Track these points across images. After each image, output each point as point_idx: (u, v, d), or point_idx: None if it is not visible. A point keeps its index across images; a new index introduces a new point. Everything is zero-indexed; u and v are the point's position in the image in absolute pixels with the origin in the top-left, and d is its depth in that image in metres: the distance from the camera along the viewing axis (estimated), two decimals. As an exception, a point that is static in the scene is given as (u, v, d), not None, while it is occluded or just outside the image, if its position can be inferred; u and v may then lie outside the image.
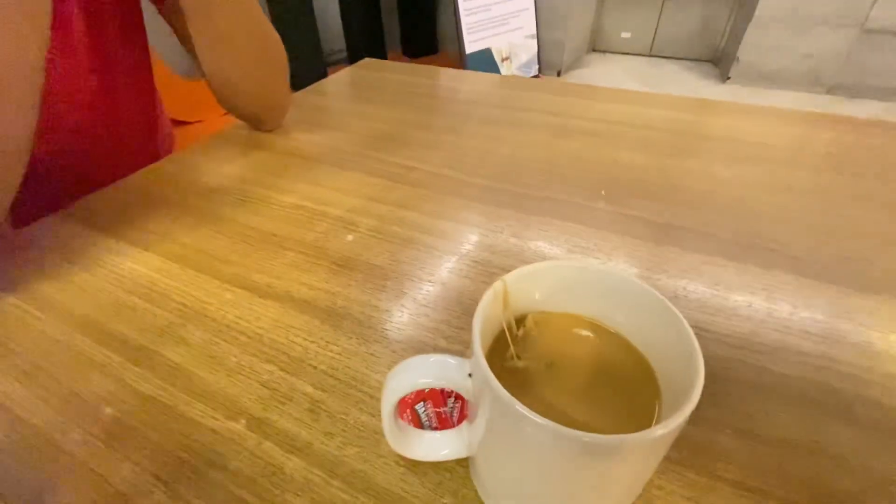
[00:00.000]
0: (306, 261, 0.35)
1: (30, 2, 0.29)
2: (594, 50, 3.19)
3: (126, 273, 0.35)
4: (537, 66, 2.68)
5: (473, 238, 0.37)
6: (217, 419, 0.25)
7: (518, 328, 0.20)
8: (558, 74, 2.80)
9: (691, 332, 0.16)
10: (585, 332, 0.20)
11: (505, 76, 0.71)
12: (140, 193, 0.45)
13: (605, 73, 2.88)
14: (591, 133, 0.54)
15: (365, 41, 2.57)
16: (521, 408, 0.14)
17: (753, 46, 2.47)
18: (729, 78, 2.62)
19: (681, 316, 0.16)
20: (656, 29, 2.97)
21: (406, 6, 2.71)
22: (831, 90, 2.46)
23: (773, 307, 0.31)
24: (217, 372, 0.27)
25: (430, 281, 0.33)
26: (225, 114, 0.56)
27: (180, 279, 0.34)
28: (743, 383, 0.26)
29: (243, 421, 0.24)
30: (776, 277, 0.33)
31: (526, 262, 0.35)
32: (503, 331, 0.19)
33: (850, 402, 0.25)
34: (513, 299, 0.19)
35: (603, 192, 0.43)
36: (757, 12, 2.36)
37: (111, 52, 0.47)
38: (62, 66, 0.43)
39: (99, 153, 0.49)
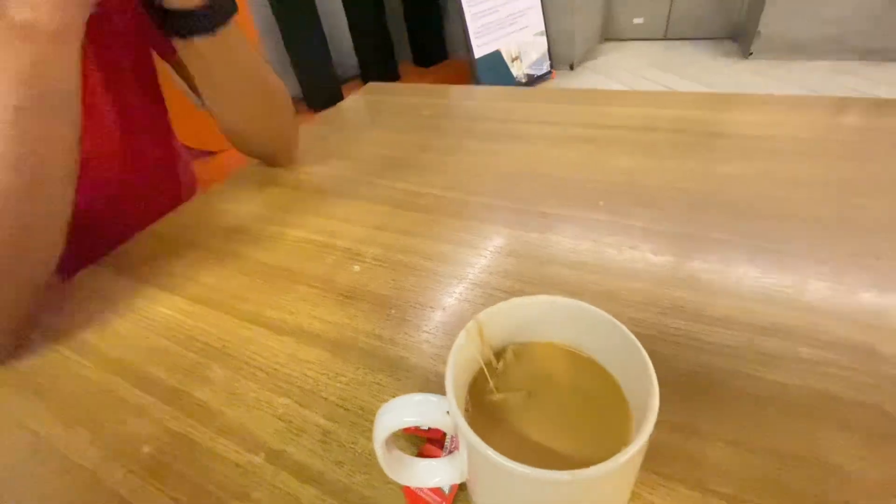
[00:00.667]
0: (316, 294, 0.38)
1: (66, 80, 0.32)
2: (607, 39, 3.14)
3: (156, 317, 0.38)
4: (549, 63, 2.66)
5: (473, 260, 0.39)
6: (239, 453, 0.27)
7: (498, 361, 0.21)
8: (571, 68, 2.77)
9: (646, 356, 0.17)
10: (561, 360, 0.21)
11: (505, 88, 0.72)
12: (166, 239, 0.48)
13: (620, 61, 2.83)
14: (589, 140, 0.54)
15: (376, 54, 2.61)
16: (489, 451, 0.15)
17: (775, 17, 2.37)
18: (751, 53, 2.52)
19: (636, 341, 0.17)
20: (670, 10, 2.90)
21: (412, 16, 2.75)
22: (863, 56, 2.33)
23: (774, 312, 0.30)
24: (238, 408, 0.29)
25: (431, 307, 0.35)
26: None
27: (204, 320, 0.37)
28: (738, 393, 0.26)
29: (262, 454, 0.27)
30: (778, 280, 0.33)
31: (524, 282, 0.36)
32: (481, 366, 0.20)
33: (847, 409, 0.25)
34: (490, 333, 0.21)
35: (601, 203, 0.43)
36: (776, -19, 2.27)
37: (130, 106, 0.51)
38: (87, 126, 0.47)
39: (128, 200, 0.53)
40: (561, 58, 2.73)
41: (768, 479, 0.22)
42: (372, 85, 0.80)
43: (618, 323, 0.18)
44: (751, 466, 0.23)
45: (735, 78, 2.41)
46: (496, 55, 2.45)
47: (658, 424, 0.16)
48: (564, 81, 2.68)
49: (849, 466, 0.22)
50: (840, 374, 0.26)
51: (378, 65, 2.63)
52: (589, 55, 2.94)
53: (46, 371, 0.34)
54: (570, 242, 0.39)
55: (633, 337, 0.18)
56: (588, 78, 2.68)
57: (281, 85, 0.51)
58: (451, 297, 0.36)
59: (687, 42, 2.91)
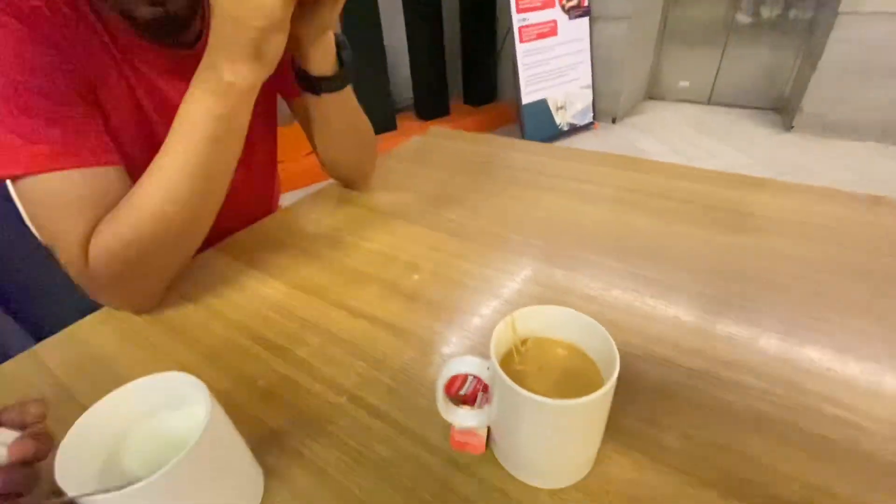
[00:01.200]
0: (384, 293, 0.49)
1: (244, 121, 0.45)
2: (651, 97, 3.26)
3: (264, 294, 0.50)
4: (592, 115, 2.79)
5: (507, 284, 0.50)
6: (328, 394, 0.38)
7: (523, 345, 0.32)
8: (613, 121, 2.89)
9: (612, 342, 0.27)
10: (562, 350, 0.31)
11: (549, 145, 0.84)
12: (267, 236, 0.61)
13: (661, 120, 2.94)
14: (619, 200, 0.64)
15: (430, 89, 2.82)
16: (517, 388, 0.26)
17: (819, 95, 2.44)
18: (793, 127, 2.58)
19: (607, 334, 0.28)
20: (716, 77, 3.00)
21: (469, 59, 2.96)
22: (906, 142, 2.35)
23: (734, 351, 0.40)
24: (327, 364, 0.41)
25: (472, 314, 0.46)
26: (307, 154, 0.72)
27: (300, 301, 0.49)
28: (694, 403, 0.35)
29: (345, 397, 0.38)
30: (741, 330, 0.42)
31: (545, 304, 0.46)
32: (512, 347, 0.31)
33: (771, 422, 0.34)
34: (520, 326, 0.31)
35: (618, 254, 0.53)
36: (823, 60, 2.34)
37: (254, 135, 0.65)
38: None
39: (240, 204, 0.67)
40: (604, 111, 2.87)
41: (701, 457, 0.32)
42: (434, 129, 0.94)
43: (598, 324, 0.29)
44: (691, 449, 0.32)
45: (775, 150, 2.47)
46: (542, 103, 2.61)
47: (630, 414, 0.26)
48: (605, 133, 2.80)
49: (764, 458, 0.31)
50: (773, 399, 0.35)
51: (431, 99, 2.83)
52: (632, 111, 3.06)
53: (185, 322, 0.47)
54: (587, 280, 0.49)
55: (604, 331, 0.28)
56: (629, 133, 2.79)
57: (370, 126, 0.65)
58: (488, 308, 0.46)
59: (730, 109, 2.99)
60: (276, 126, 0.69)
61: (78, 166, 0.42)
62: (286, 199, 0.78)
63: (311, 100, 0.55)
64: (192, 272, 0.54)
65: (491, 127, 2.92)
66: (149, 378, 0.28)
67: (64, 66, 0.43)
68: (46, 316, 0.59)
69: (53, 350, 0.45)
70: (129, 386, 0.28)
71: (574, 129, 2.76)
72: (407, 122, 2.79)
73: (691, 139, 2.65)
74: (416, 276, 0.51)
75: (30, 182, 0.41)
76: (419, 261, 0.54)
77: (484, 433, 0.33)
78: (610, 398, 0.27)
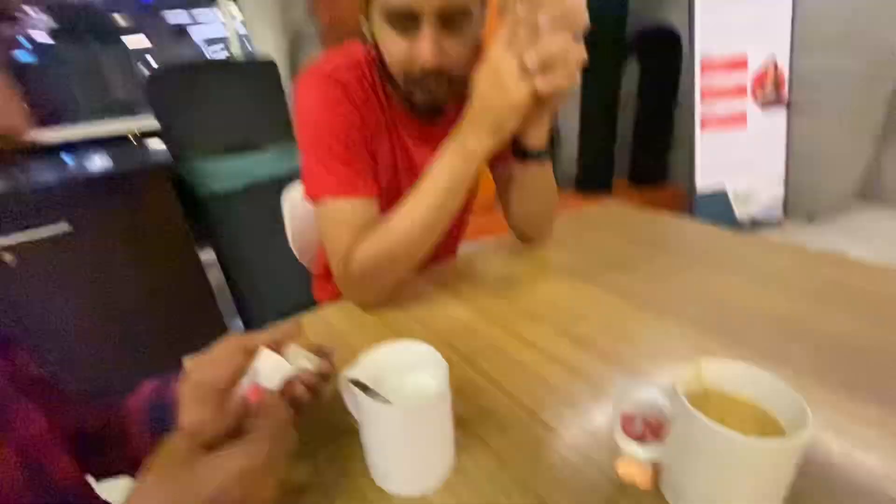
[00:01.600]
0: (555, 333, 0.55)
1: (473, 178, 0.58)
2: (863, 197, 2.77)
3: (455, 314, 0.61)
4: (781, 211, 2.50)
5: (674, 353, 0.51)
6: (508, 403, 0.45)
7: (704, 394, 0.34)
8: (809, 221, 2.54)
9: (804, 403, 0.28)
10: (748, 407, 0.33)
11: (734, 234, 0.81)
12: (457, 270, 0.74)
13: (874, 226, 2.46)
14: (810, 294, 0.60)
15: (596, 164, 2.88)
16: (704, 418, 0.29)
17: None
18: None
19: (799, 397, 0.29)
20: (969, 183, 2.43)
21: (641, 136, 2.96)
22: None
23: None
24: (506, 378, 0.48)
25: (641, 366, 0.48)
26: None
27: (483, 325, 0.58)
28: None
29: (522, 409, 0.44)
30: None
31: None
32: (695, 393, 0.34)
33: None
34: (706, 375, 0.34)
35: (802, 347, 0.51)
36: None
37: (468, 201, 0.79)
38: None
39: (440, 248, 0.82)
40: (798, 208, 2.54)
41: None
42: (609, 201, 1.00)
43: (789, 388, 0.30)
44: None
45: None
46: (719, 192, 2.44)
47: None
48: (797, 232, 2.46)
49: None
50: None
51: (596, 173, 2.89)
52: (836, 211, 2.64)
53: (395, 323, 0.60)
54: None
55: (796, 394, 0.29)
56: (828, 235, 2.40)
57: (556, 192, 0.74)
58: (658, 366, 0.48)
59: None
60: (478, 185, 0.84)
61: (357, 196, 0.60)
62: (464, 247, 0.91)
63: (516, 165, 0.67)
64: (403, 289, 0.68)
65: (655, 210, 2.82)
66: (402, 342, 0.39)
67: (359, 125, 0.62)
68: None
69: (309, 322, 0.62)
70: (392, 344, 0.39)
71: (756, 224, 2.50)
72: (566, 195, 2.89)
73: (923, 252, 2.15)
74: (585, 326, 0.56)
75: (328, 205, 0.60)
76: (589, 313, 0.59)
77: (650, 469, 0.35)
78: (801, 449, 0.28)
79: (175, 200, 1.38)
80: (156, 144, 1.82)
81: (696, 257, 0.73)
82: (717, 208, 2.46)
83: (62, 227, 1.23)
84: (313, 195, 0.62)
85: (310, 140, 0.61)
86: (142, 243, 1.35)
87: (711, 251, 0.75)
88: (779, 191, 2.49)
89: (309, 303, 0.90)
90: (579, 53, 0.49)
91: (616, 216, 0.93)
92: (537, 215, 0.74)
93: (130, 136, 1.97)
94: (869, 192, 2.79)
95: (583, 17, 0.48)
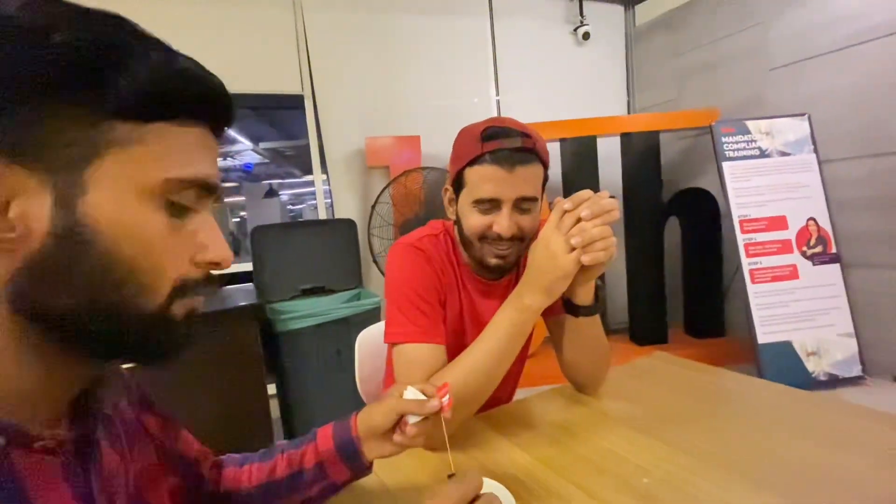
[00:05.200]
0: (618, 485, 0.56)
1: (529, 329, 0.69)
2: (960, 359, 2.52)
3: (514, 458, 0.64)
4: (860, 367, 2.31)
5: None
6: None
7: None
8: (895, 380, 2.31)
9: None
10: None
11: (793, 389, 0.81)
12: (515, 415, 0.78)
13: None
14: (886, 459, 0.59)
15: (648, 314, 2.87)
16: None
17: None
18: None
19: None
20: None
21: (692, 291, 2.97)
22: None
23: None
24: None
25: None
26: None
27: (543, 472, 0.60)
28: None
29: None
30: None
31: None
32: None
33: None
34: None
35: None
36: None
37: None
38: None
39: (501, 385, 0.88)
40: (879, 365, 2.34)
41: None
42: (660, 353, 1.03)
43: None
44: None
45: None
46: (787, 345, 2.33)
47: None
48: (882, 392, 2.22)
49: None
50: None
51: (648, 323, 2.86)
52: (929, 372, 2.39)
53: (470, 458, 0.63)
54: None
55: None
56: (927, 398, 2.15)
57: (608, 344, 0.80)
58: (725, 528, 0.48)
59: None
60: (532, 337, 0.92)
61: (431, 342, 0.70)
62: (519, 394, 0.95)
63: (569, 319, 0.76)
64: (463, 430, 0.72)
65: (716, 361, 2.67)
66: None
67: (435, 283, 0.76)
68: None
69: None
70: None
71: (836, 381, 2.30)
72: (620, 345, 2.84)
73: None
74: (646, 480, 0.57)
75: (405, 347, 0.71)
76: (649, 467, 0.60)
77: None
78: None
79: (257, 336, 1.55)
80: (246, 286, 2.09)
81: (754, 412, 0.73)
82: (787, 362, 2.32)
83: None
84: (394, 339, 0.73)
85: (396, 294, 0.74)
86: (225, 371, 1.49)
87: (773, 407, 0.75)
88: (852, 345, 2.34)
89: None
90: (612, 237, 0.63)
91: (665, 369, 0.95)
92: (590, 364, 0.80)
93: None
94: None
95: (615, 212, 0.63)
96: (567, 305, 0.75)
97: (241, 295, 1.79)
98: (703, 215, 2.90)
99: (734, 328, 2.93)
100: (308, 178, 2.77)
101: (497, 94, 3.03)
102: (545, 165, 0.73)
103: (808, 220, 2.46)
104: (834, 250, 2.44)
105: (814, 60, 2.50)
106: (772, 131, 2.52)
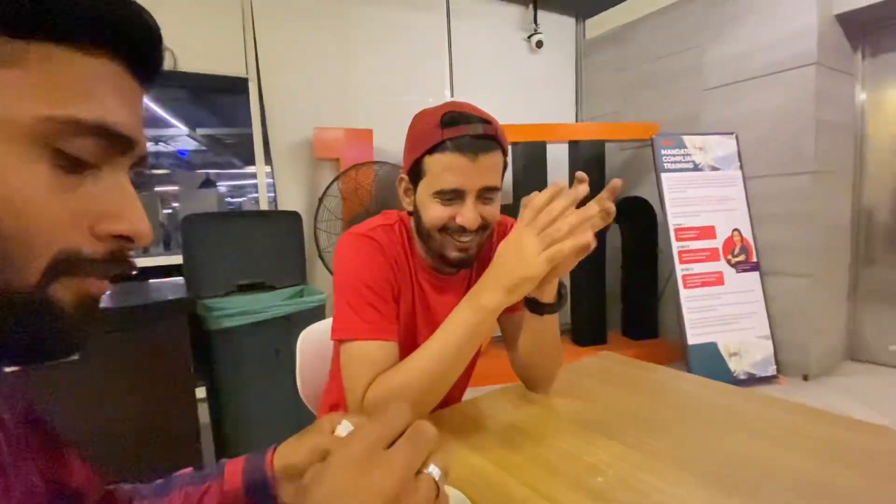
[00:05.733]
0: (571, 485, 0.55)
1: (485, 330, 0.66)
2: (853, 359, 2.83)
3: (465, 461, 0.61)
4: (775, 367, 2.53)
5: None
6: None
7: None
8: (805, 379, 2.55)
9: None
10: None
11: (729, 386, 0.85)
12: (465, 416, 0.75)
13: (870, 386, 2.47)
14: (814, 452, 0.62)
15: (589, 318, 2.98)
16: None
17: None
18: None
19: None
20: (947, 347, 2.53)
21: (630, 296, 3.13)
22: None
23: None
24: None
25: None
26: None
27: (494, 474, 0.58)
28: None
29: None
30: None
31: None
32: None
33: None
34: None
35: (822, 504, 0.51)
36: None
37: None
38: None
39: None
40: (791, 365, 2.57)
41: None
42: (607, 353, 1.05)
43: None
44: None
45: None
46: (712, 346, 2.51)
47: None
48: (794, 389, 2.45)
49: None
50: None
51: (588, 326, 2.97)
52: (831, 370, 2.67)
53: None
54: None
55: None
56: (825, 393, 2.39)
57: (561, 343, 0.80)
58: (677, 526, 0.48)
59: (981, 388, 2.38)
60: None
61: (382, 339, 0.66)
62: (468, 393, 0.93)
63: (529, 317, 0.74)
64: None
65: (650, 361, 2.83)
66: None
67: (389, 276, 0.71)
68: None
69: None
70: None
71: (753, 380, 2.50)
72: (563, 346, 2.92)
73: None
74: (599, 479, 0.56)
75: (353, 345, 0.65)
76: (602, 466, 0.59)
77: None
78: None
79: (186, 335, 1.41)
80: (176, 281, 1.92)
81: (697, 410, 0.75)
82: (711, 362, 2.49)
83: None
84: (341, 336, 0.67)
85: (345, 287, 0.69)
86: (146, 374, 1.34)
87: (713, 405, 0.77)
88: (768, 347, 2.55)
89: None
90: (587, 234, 0.58)
91: (611, 368, 0.97)
92: (546, 362, 0.79)
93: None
94: (856, 354, 2.86)
95: (592, 208, 0.59)
96: (530, 304, 0.73)
97: (170, 289, 1.63)
98: (642, 223, 3.06)
99: (666, 330, 3.11)
100: (250, 168, 2.60)
101: (452, 95, 3.02)
102: (505, 153, 0.71)
103: (734, 230, 2.66)
104: (755, 259, 2.66)
105: (741, 84, 2.71)
106: (705, 147, 2.71)
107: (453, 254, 0.71)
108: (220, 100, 3.99)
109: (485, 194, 0.69)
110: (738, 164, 2.69)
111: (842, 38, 2.58)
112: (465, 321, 0.64)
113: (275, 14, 2.47)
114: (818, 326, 2.56)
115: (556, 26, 3.45)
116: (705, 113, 2.90)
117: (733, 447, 0.64)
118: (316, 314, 1.68)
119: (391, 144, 2.59)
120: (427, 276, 0.78)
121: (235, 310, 1.55)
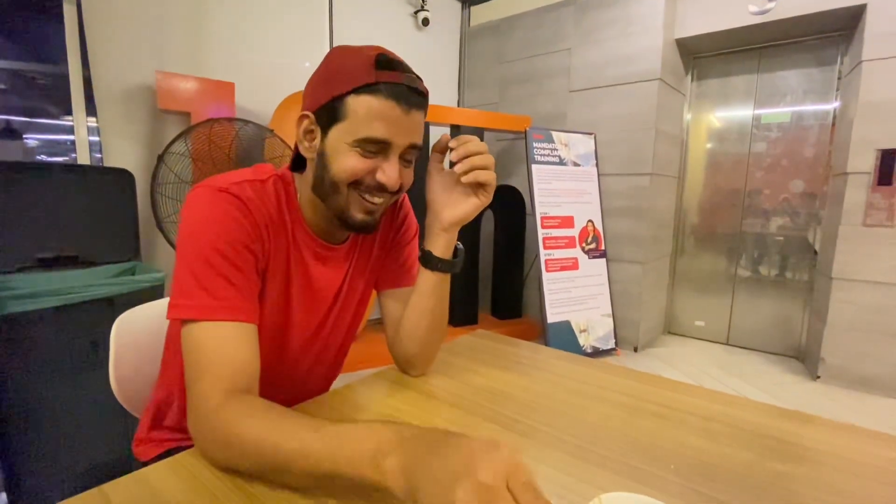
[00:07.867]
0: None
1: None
2: (670, 332, 3.43)
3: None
4: (614, 341, 2.92)
5: (560, 480, 0.50)
6: None
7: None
8: (635, 350, 2.99)
9: None
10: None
11: (587, 358, 0.91)
12: (332, 409, 0.66)
13: (682, 354, 3.02)
14: (660, 416, 0.68)
15: (462, 299, 3.08)
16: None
17: (837, 349, 2.52)
18: (818, 377, 2.59)
19: None
20: (730, 320, 3.19)
21: (499, 278, 3.31)
22: (945, 406, 2.29)
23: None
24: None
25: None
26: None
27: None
28: None
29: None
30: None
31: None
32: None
33: None
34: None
35: (672, 467, 0.55)
36: (831, 317, 2.49)
37: (345, 334, 0.77)
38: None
39: (312, 380, 0.76)
40: (626, 339, 3.00)
41: None
42: (482, 332, 1.05)
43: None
44: None
45: (802, 397, 2.43)
46: (566, 324, 2.78)
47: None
48: (627, 360, 2.86)
49: None
50: None
51: (461, 307, 3.07)
52: (653, 342, 3.19)
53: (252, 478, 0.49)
54: (645, 490, 0.50)
55: None
56: (651, 362, 2.85)
57: (447, 318, 0.75)
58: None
59: (749, 352, 3.08)
60: (359, 326, 0.81)
61: (238, 321, 0.53)
62: (340, 380, 0.84)
63: (424, 279, 0.70)
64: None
65: (516, 339, 3.05)
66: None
67: (251, 244, 0.57)
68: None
69: (120, 490, 0.47)
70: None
71: (597, 352, 2.85)
72: (469, 334, 2.96)
73: (717, 377, 2.66)
74: (474, 464, 0.53)
75: (199, 326, 0.51)
76: (477, 449, 0.56)
77: None
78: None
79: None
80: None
81: (559, 382, 0.78)
82: (565, 338, 2.77)
83: None
84: (183, 314, 0.52)
85: (191, 253, 0.53)
86: None
87: (571, 376, 0.81)
88: (609, 324, 2.93)
89: (122, 463, 0.69)
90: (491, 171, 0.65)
91: (485, 345, 0.97)
92: (428, 332, 0.73)
93: None
94: (672, 328, 3.46)
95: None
96: (424, 256, 0.68)
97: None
98: (513, 211, 3.25)
99: (529, 310, 3.38)
100: (67, 119, 2.06)
101: (330, 60, 2.79)
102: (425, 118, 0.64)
103: (588, 221, 2.97)
104: (603, 247, 3.01)
105: (600, 90, 3.02)
106: (569, 143, 2.95)
107: (359, 215, 0.61)
108: (26, 24, 3.08)
109: (407, 154, 0.62)
110: (595, 161, 3.01)
111: (678, 61, 3.04)
112: (356, 469, 0.41)
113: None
114: (647, 306, 3.02)
115: (443, 7, 3.42)
116: (570, 112, 3.17)
117: (596, 419, 0.66)
118: (151, 297, 1.39)
119: (257, 105, 2.28)
120: (310, 244, 0.66)
121: (30, 290, 1.20)
